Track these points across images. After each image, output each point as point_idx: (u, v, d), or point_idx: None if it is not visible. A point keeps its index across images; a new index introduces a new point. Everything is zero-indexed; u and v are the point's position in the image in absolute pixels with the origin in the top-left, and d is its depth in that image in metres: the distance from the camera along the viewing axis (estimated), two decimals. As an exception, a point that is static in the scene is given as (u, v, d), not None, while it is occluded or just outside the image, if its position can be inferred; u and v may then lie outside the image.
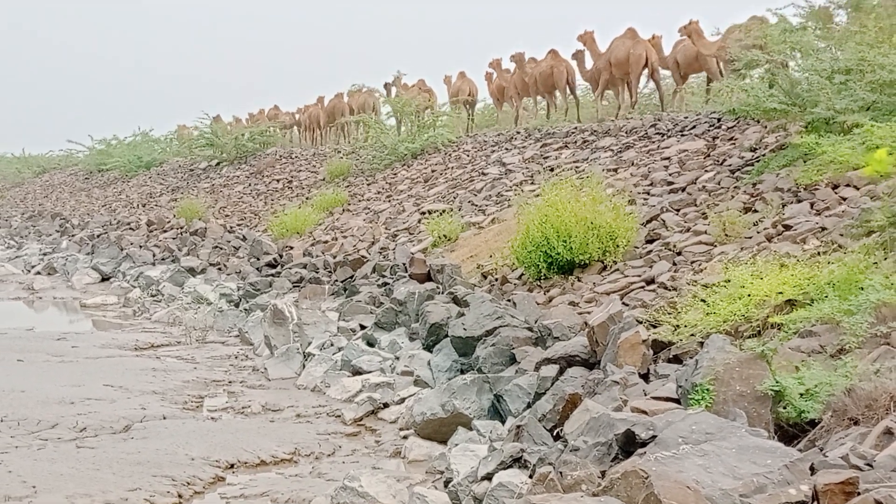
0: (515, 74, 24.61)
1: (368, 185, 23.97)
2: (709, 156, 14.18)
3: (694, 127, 16.32)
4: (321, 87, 79.83)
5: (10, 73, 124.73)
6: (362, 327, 13.40)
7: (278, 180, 29.04)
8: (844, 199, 9.92)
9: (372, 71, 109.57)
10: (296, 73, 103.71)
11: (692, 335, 7.87)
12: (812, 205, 10.14)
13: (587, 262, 11.40)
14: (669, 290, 9.55)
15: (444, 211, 17.47)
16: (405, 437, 9.40)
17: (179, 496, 7.99)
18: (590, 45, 21.85)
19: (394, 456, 9.06)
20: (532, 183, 16.93)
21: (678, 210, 12.03)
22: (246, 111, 38.97)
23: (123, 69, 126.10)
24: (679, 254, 10.51)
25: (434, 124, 25.84)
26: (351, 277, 16.60)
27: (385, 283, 15.14)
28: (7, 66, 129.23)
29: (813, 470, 5.10)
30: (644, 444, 5.85)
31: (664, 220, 11.75)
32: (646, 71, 20.88)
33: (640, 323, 8.43)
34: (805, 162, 10.93)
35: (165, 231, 26.92)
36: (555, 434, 7.36)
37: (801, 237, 9.27)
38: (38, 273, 25.08)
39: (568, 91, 23.62)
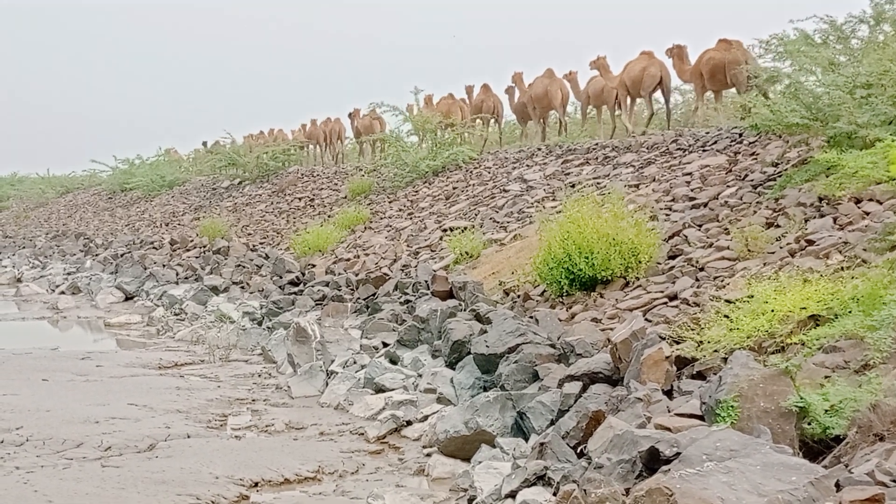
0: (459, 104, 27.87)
1: (390, 202, 24.01)
2: (731, 171, 14.15)
3: (715, 142, 16.30)
4: (336, 109, 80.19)
5: (35, 95, 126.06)
6: (385, 345, 13.41)
7: (300, 198, 29.09)
8: (867, 214, 9.87)
9: (382, 93, 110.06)
10: (312, 96, 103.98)
11: (715, 351, 7.85)
12: (835, 219, 10.10)
13: (609, 278, 11.39)
14: (692, 305, 9.53)
15: (465, 228, 17.48)
16: (428, 455, 9.38)
17: (204, 515, 8.03)
18: (518, 83, 25.52)
19: (417, 474, 9.05)
20: (553, 199, 16.94)
21: (700, 225, 12.01)
22: (259, 132, 39.26)
23: (145, 93, 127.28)
24: (702, 269, 10.49)
25: (454, 142, 25.92)
26: (373, 295, 16.62)
27: (407, 301, 15.16)
28: (32, 88, 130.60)
29: (838, 486, 5.08)
30: (668, 461, 5.84)
31: (686, 236, 11.73)
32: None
33: (663, 339, 8.41)
34: (827, 176, 10.90)
35: (188, 250, 27.06)
36: (578, 451, 7.35)
37: (825, 252, 9.24)
38: (63, 293, 25.23)
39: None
